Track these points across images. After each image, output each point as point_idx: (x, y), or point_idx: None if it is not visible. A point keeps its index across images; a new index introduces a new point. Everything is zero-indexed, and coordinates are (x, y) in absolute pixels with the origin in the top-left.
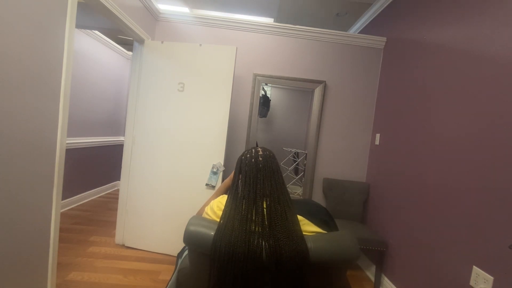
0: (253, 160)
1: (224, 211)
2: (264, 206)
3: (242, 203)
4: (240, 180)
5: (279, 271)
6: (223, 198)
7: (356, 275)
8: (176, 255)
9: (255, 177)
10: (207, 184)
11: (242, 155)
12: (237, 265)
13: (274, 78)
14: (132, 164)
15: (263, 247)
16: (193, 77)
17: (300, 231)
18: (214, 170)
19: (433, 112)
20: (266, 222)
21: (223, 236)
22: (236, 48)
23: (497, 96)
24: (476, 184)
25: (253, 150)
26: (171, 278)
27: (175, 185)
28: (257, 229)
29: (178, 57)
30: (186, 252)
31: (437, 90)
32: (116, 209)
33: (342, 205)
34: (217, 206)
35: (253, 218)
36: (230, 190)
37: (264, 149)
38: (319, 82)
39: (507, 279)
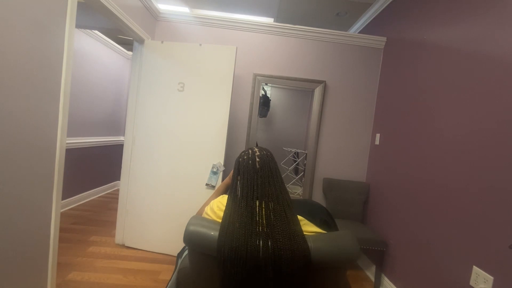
0: (250, 161)
1: (225, 214)
2: (263, 207)
3: (242, 205)
4: (238, 182)
5: (278, 271)
6: (223, 198)
7: (356, 275)
8: (176, 255)
9: (252, 179)
10: (207, 184)
11: (239, 157)
12: (240, 269)
13: (274, 78)
14: (132, 164)
15: (261, 248)
16: (193, 77)
17: (301, 231)
18: (214, 170)
19: (433, 112)
20: (265, 223)
21: (225, 240)
22: (236, 48)
23: (498, 96)
24: (476, 184)
25: (250, 151)
26: (171, 278)
27: (175, 185)
28: (256, 230)
29: (178, 57)
30: (186, 252)
31: (437, 90)
32: (116, 209)
33: (342, 205)
34: (217, 206)
35: (251, 219)
36: (230, 192)
37: (261, 149)
38: (319, 82)
39: (507, 279)
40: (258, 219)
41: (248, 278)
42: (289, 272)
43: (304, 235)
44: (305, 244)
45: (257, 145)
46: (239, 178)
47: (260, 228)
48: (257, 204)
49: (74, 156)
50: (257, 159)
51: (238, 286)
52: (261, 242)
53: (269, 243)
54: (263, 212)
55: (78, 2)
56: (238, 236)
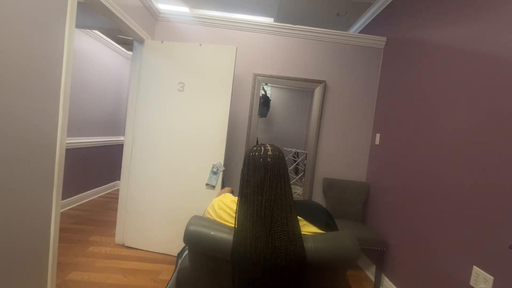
0: (261, 160)
1: (238, 216)
2: (267, 208)
3: (251, 206)
4: (246, 181)
5: (274, 272)
6: (225, 197)
7: (356, 275)
8: (176, 255)
9: (262, 179)
10: (207, 184)
11: (250, 151)
12: (251, 270)
13: (274, 78)
14: (132, 164)
15: (263, 248)
16: (193, 77)
17: (300, 232)
18: (214, 170)
19: (433, 112)
20: (267, 224)
21: (240, 242)
22: (236, 48)
23: (498, 96)
24: (476, 184)
25: (262, 148)
26: (171, 278)
27: (175, 184)
28: (260, 231)
29: (178, 57)
30: (186, 252)
31: (437, 90)
32: (116, 209)
33: (342, 205)
34: (218, 205)
35: (258, 221)
36: (239, 191)
37: (273, 149)
38: (319, 82)
39: (507, 279)
40: (263, 220)
41: (255, 279)
42: (284, 272)
43: (302, 236)
44: (301, 245)
45: (257, 141)
46: (248, 178)
47: (263, 228)
48: (264, 205)
49: (74, 156)
50: (269, 159)
51: (248, 286)
52: (263, 243)
53: (269, 244)
54: (267, 213)
55: (78, 2)
56: (250, 238)
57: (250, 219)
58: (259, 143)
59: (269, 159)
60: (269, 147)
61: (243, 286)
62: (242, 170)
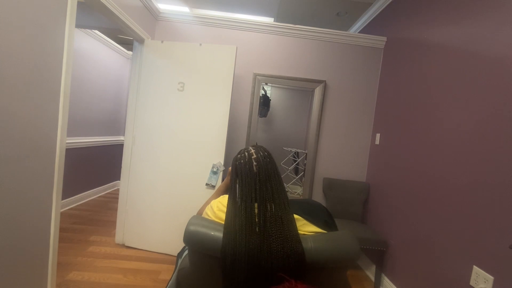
0: (247, 166)
1: (226, 217)
2: (260, 209)
3: (241, 208)
4: (237, 185)
5: (271, 273)
6: (223, 199)
7: (356, 274)
8: (176, 255)
9: (250, 183)
10: (207, 184)
11: (235, 160)
12: (241, 270)
13: (274, 77)
14: (132, 163)
15: (257, 249)
16: (193, 76)
17: (296, 232)
18: (214, 170)
19: (433, 112)
20: (262, 224)
21: (228, 243)
22: (236, 47)
23: (497, 95)
24: (477, 184)
25: (246, 154)
26: (171, 278)
27: (175, 184)
28: (254, 232)
29: (178, 57)
30: (186, 252)
31: (437, 90)
32: (116, 209)
33: (342, 205)
34: (216, 207)
35: (250, 222)
36: (229, 195)
37: (257, 150)
38: (319, 81)
39: (507, 279)
40: (257, 220)
41: (247, 279)
42: (283, 271)
43: (299, 236)
44: (299, 245)
45: (256, 144)
46: (237, 181)
47: (257, 229)
48: (256, 206)
49: (74, 156)
50: (254, 163)
51: (239, 287)
52: (257, 244)
53: (264, 244)
54: (260, 214)
55: (78, 2)
56: (239, 239)
57: (239, 217)
58: (257, 145)
59: (254, 163)
60: (252, 151)
61: (240, 286)
62: (231, 180)
